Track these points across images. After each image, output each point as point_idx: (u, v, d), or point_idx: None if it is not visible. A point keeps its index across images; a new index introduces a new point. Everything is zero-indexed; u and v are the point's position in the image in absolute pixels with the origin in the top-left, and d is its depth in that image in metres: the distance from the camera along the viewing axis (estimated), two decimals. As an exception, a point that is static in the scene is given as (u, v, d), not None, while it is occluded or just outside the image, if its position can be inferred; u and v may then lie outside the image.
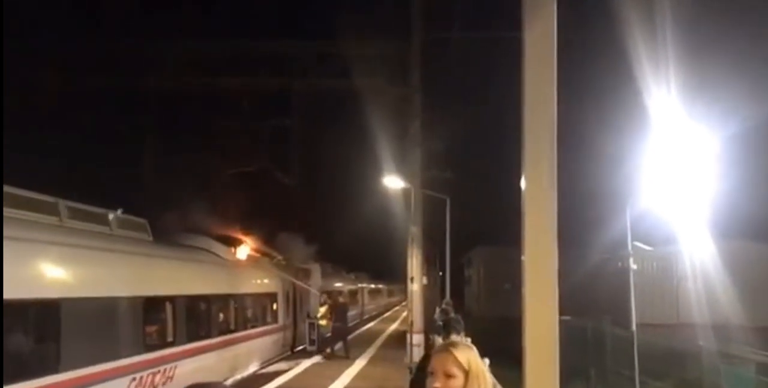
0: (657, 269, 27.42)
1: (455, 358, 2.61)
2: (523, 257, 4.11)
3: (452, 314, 12.61)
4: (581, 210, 29.84)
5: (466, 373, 2.59)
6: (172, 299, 12.20)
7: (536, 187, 4.11)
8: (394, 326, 35.61)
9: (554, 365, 3.95)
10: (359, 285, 41.95)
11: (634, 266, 16.76)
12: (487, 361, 9.26)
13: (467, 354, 2.64)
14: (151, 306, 11.41)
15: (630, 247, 17.18)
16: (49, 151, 20.19)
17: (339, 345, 20.68)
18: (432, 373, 2.62)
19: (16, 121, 16.93)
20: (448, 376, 2.59)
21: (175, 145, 25.36)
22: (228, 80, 22.86)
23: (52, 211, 9.83)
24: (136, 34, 22.38)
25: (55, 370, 8.30)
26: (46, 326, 8.44)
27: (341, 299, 22.90)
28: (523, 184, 4.16)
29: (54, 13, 21.02)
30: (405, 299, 29.11)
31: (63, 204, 10.15)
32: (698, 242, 23.46)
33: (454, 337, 6.65)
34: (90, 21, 23.70)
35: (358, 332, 31.26)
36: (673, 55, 18.02)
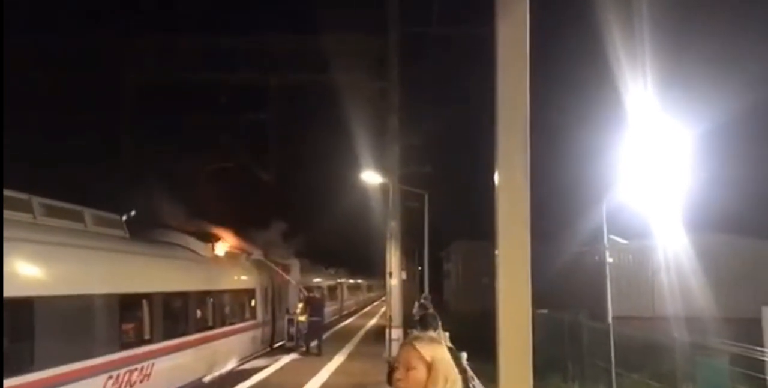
0: (633, 262, 27.72)
1: (417, 351, 2.64)
2: (496, 252, 4.14)
3: (430, 309, 12.69)
4: (559, 204, 30.14)
5: (429, 366, 2.61)
6: (148, 296, 12.11)
7: (509, 181, 4.14)
8: (373, 321, 35.66)
9: (527, 357, 3.98)
10: (338, 281, 41.93)
11: (610, 260, 16.95)
12: (464, 355, 9.31)
13: (431, 348, 2.67)
14: (128, 303, 11.32)
15: (606, 240, 17.36)
16: (24, 146, 19.93)
17: (315, 342, 20.45)
18: (396, 367, 2.66)
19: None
20: (409, 368, 2.63)
21: (152, 141, 25.18)
22: (205, 75, 22.72)
23: (26, 208, 9.71)
24: (114, 29, 22.16)
25: (29, 369, 8.22)
26: (21, 325, 8.34)
27: (317, 295, 22.53)
28: (496, 178, 4.19)
29: (28, 8, 20.76)
30: (384, 294, 29.16)
31: (36, 201, 10.03)
32: (673, 236, 23.78)
33: (430, 333, 6.69)
34: (67, 15, 23.46)
35: (337, 327, 31.28)
36: (649, 52, 18.23)
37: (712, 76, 23.67)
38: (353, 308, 47.70)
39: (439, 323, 7.36)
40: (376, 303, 58.72)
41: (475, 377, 9.49)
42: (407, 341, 2.77)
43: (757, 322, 18.77)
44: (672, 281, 24.84)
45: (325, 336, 21.97)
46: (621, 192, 16.49)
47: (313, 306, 20.78)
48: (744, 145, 28.67)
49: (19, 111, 19.84)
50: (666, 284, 25.10)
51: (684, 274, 24.59)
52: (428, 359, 2.63)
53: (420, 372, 2.61)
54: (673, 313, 23.32)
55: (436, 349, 2.68)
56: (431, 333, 7.33)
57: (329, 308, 34.93)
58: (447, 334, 11.94)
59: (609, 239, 17.87)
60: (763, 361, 16.64)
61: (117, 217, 12.96)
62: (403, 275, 25.42)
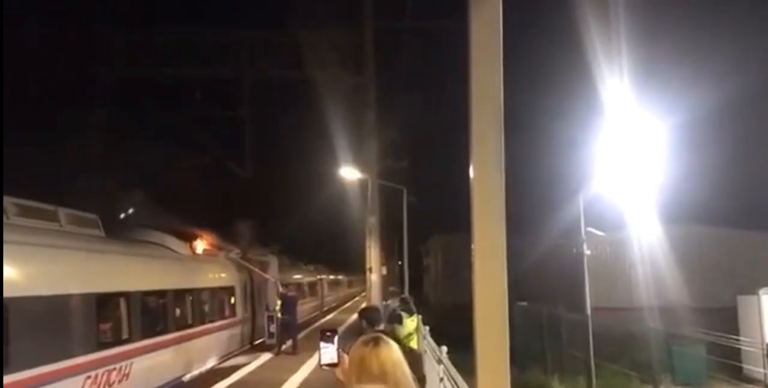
0: (610, 253, 27.97)
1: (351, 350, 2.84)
2: (472, 245, 4.15)
3: (411, 303, 12.69)
4: (536, 197, 30.34)
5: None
6: (126, 295, 12.01)
7: (484, 174, 4.14)
8: (354, 317, 35.62)
9: (504, 350, 4.00)
10: (318, 277, 41.87)
11: (587, 252, 17.06)
12: (444, 349, 9.32)
13: (353, 348, 2.80)
14: (105, 303, 11.22)
15: (583, 232, 17.48)
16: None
17: (289, 342, 19.77)
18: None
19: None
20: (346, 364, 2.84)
21: (126, 137, 24.91)
22: (179, 70, 22.49)
23: (-2, 208, 9.58)
24: (86, 21, 21.87)
25: (4, 371, 8.11)
26: (-5, 327, 8.23)
27: (290, 292, 21.67)
28: (471, 172, 4.19)
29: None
30: (365, 289, 29.14)
31: (9, 201, 9.89)
32: (649, 227, 24.03)
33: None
34: (41, 7, 23.07)
35: (317, 324, 31.22)
36: (625, 45, 18.39)
37: (687, 70, 23.94)
38: (334, 304, 47.66)
39: (380, 317, 7.51)
40: (356, 298, 58.72)
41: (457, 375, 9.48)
42: (364, 342, 2.85)
43: (732, 311, 19.02)
44: (649, 272, 25.10)
45: (304, 333, 21.80)
46: (597, 184, 16.62)
47: (286, 304, 20.23)
48: (718, 137, 29.03)
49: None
50: (643, 275, 25.36)
51: (661, 265, 24.85)
52: (346, 358, 2.84)
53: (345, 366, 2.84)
54: (650, 303, 23.56)
55: (356, 350, 2.81)
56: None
57: (310, 305, 34.89)
58: (420, 317, 11.96)
59: (586, 231, 18.00)
60: (739, 349, 16.91)
61: (92, 216, 12.82)
62: (384, 271, 25.49)
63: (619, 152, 14.94)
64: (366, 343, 2.77)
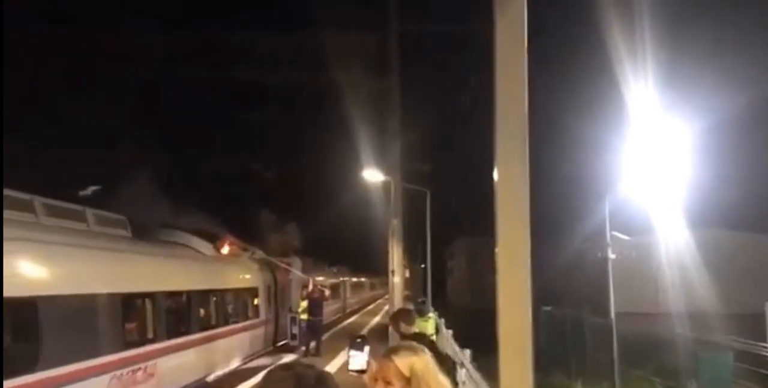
0: (636, 258, 27.66)
1: (395, 366, 2.61)
2: (496, 249, 4.13)
3: (425, 305, 12.67)
4: (561, 201, 30.13)
5: (408, 379, 2.57)
6: (151, 295, 12.11)
7: (508, 177, 4.12)
8: (376, 320, 35.63)
9: (527, 355, 3.97)
10: (341, 279, 41.88)
11: (612, 256, 16.89)
12: (467, 352, 9.28)
13: (408, 360, 2.61)
14: (131, 303, 11.32)
15: (608, 237, 17.32)
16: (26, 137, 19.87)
17: (313, 343, 20.10)
18: (376, 379, 2.64)
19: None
20: (387, 383, 2.60)
21: (153, 139, 25.18)
22: (205, 72, 22.68)
23: (27, 208, 9.71)
24: (116, 25, 22.18)
25: (34, 369, 8.21)
26: (24, 325, 8.34)
27: (315, 293, 21.70)
28: (495, 175, 4.17)
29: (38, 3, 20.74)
30: (387, 292, 29.09)
31: (38, 201, 10.02)
32: (675, 232, 23.75)
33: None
34: (69, 10, 23.44)
35: (339, 326, 31.27)
36: (650, 48, 18.22)
37: (713, 73, 23.65)
38: (356, 307, 47.65)
39: (414, 317, 7.39)
40: (379, 301, 58.61)
41: (477, 375, 9.44)
42: (384, 353, 2.71)
43: (761, 317, 18.72)
44: (675, 276, 24.78)
45: (326, 335, 21.84)
46: (623, 188, 16.47)
47: (312, 304, 20.36)
48: (745, 141, 28.63)
49: (23, 104, 19.82)
50: (669, 280, 25.04)
51: (687, 269, 24.54)
52: (405, 371, 2.58)
53: (397, 387, 2.57)
54: (676, 309, 23.26)
55: (414, 358, 2.62)
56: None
57: (332, 307, 34.92)
58: (442, 320, 11.91)
59: (611, 235, 17.83)
60: (766, 356, 16.65)
61: (121, 217, 12.96)
62: (407, 274, 25.44)
63: (646, 155, 14.79)
64: (409, 351, 2.69)
